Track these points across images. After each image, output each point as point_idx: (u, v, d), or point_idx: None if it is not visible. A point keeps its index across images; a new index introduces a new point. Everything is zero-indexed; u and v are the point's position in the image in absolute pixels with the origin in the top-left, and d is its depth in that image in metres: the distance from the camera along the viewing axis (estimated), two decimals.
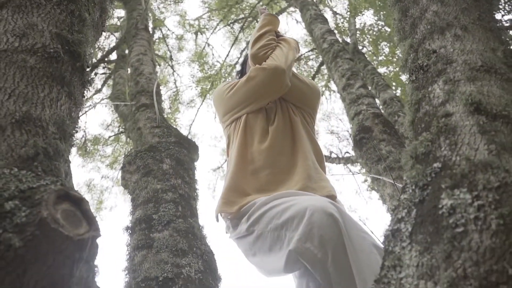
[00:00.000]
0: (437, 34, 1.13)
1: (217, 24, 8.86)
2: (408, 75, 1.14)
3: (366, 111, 3.79)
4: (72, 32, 1.24)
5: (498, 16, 1.28)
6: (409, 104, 1.05)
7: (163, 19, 8.74)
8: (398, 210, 0.83)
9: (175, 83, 8.48)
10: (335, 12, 8.90)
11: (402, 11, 1.35)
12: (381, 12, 7.77)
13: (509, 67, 1.01)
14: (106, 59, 7.77)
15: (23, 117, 0.96)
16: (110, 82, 7.59)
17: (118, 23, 7.96)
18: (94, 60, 7.31)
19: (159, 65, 8.03)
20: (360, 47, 7.22)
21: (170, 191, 2.54)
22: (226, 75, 8.44)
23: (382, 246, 1.04)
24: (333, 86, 8.26)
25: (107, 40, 7.99)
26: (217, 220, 1.65)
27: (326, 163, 1.87)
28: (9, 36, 1.12)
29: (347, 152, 7.38)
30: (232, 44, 8.61)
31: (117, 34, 7.90)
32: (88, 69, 1.27)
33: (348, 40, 7.60)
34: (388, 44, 7.94)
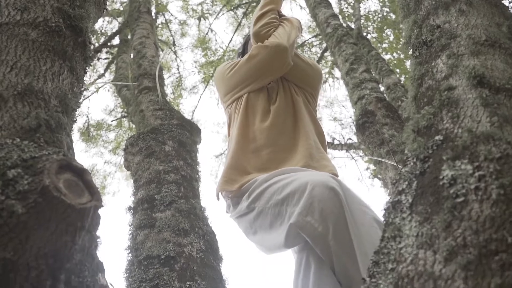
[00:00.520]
0: (442, 10, 1.12)
1: (220, 9, 8.78)
2: (411, 51, 1.13)
3: (369, 96, 3.77)
4: (74, 7, 1.23)
5: None
6: (412, 79, 1.04)
7: (166, 4, 8.67)
8: (399, 183, 0.83)
9: (178, 69, 8.44)
10: None
11: None
12: None
13: None
14: (108, 43, 7.73)
15: (25, 89, 0.96)
16: (113, 67, 7.56)
17: (121, 8, 7.90)
18: (97, 45, 7.28)
19: (162, 50, 7.98)
20: (364, 34, 7.14)
21: (172, 172, 2.55)
22: None
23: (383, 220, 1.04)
24: (336, 73, 8.21)
25: (110, 25, 7.95)
26: (218, 199, 1.66)
27: (328, 150, 1.87)
28: (11, 10, 1.12)
29: (350, 139, 7.37)
30: (235, 30, 8.55)
31: (119, 19, 7.85)
32: (90, 45, 1.27)
33: (353, 26, 7.52)
34: (393, 31, 7.86)
